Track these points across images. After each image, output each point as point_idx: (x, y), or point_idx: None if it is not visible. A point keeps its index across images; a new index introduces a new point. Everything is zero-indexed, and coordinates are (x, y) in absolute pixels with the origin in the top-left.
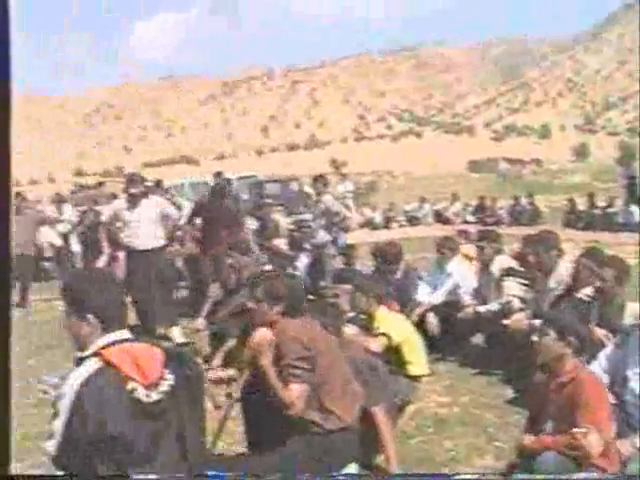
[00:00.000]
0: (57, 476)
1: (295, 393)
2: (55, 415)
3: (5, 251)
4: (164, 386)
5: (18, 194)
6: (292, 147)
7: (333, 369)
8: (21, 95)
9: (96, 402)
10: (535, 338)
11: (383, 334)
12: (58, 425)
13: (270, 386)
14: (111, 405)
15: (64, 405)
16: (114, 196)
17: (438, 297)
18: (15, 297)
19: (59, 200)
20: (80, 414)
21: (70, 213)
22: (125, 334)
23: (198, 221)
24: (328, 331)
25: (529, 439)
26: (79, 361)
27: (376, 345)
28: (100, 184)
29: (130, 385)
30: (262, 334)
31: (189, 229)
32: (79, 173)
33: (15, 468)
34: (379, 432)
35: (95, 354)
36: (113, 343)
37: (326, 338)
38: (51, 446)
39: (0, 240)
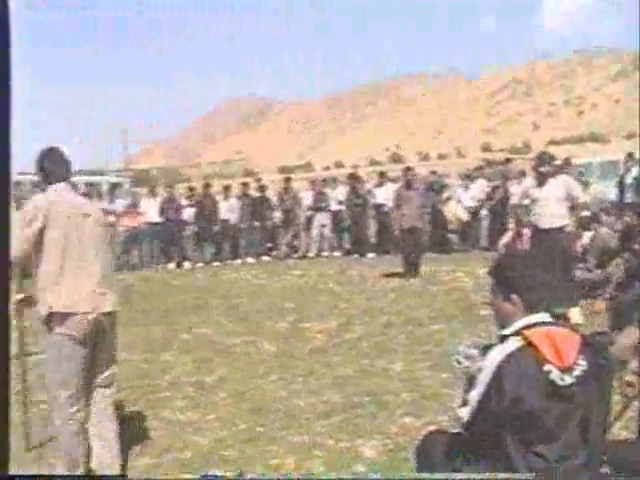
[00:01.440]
0: (57, 476)
1: None
2: (471, 385)
3: (5, 249)
4: (577, 371)
5: (409, 168)
6: None
7: None
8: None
9: (514, 378)
10: None
11: None
12: (474, 395)
13: None
14: (527, 383)
15: (483, 377)
16: (523, 173)
17: None
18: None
19: (468, 176)
20: (497, 388)
21: (480, 189)
22: (546, 317)
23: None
24: None
25: None
26: (502, 338)
27: None
28: (507, 160)
29: (547, 366)
30: None
31: (597, 211)
32: (486, 149)
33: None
34: None
35: (517, 333)
36: (534, 324)
37: None
38: (465, 413)
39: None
